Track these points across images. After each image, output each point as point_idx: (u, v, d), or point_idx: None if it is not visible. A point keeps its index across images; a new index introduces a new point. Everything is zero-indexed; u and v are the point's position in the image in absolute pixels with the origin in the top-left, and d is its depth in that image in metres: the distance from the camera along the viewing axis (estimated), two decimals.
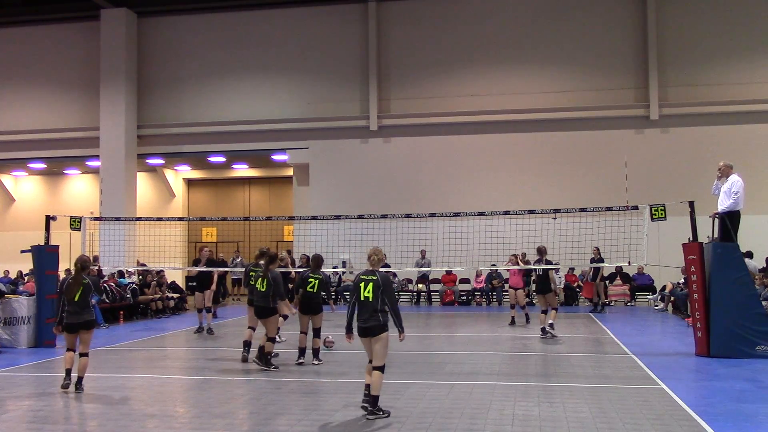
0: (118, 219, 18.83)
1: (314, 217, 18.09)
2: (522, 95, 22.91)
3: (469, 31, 23.39)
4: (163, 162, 27.23)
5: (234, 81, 24.72)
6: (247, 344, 11.06)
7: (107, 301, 17.36)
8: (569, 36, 22.93)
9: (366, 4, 23.82)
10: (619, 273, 21.31)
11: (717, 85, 21.89)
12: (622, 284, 21.37)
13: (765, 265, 17.38)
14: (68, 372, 8.87)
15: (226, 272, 21.15)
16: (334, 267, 19.56)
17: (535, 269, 14.41)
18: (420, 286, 22.94)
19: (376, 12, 23.73)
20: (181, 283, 22.92)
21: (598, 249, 16.95)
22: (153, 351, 12.97)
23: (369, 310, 7.33)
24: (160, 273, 19.71)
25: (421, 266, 21.68)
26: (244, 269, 13.91)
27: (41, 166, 27.95)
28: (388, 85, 23.87)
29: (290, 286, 13.01)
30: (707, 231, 12.26)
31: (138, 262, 19.85)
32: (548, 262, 13.75)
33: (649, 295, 21.37)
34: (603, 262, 16.27)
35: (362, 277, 7.48)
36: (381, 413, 7.22)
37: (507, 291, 18.34)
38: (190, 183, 29.87)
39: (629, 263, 14.18)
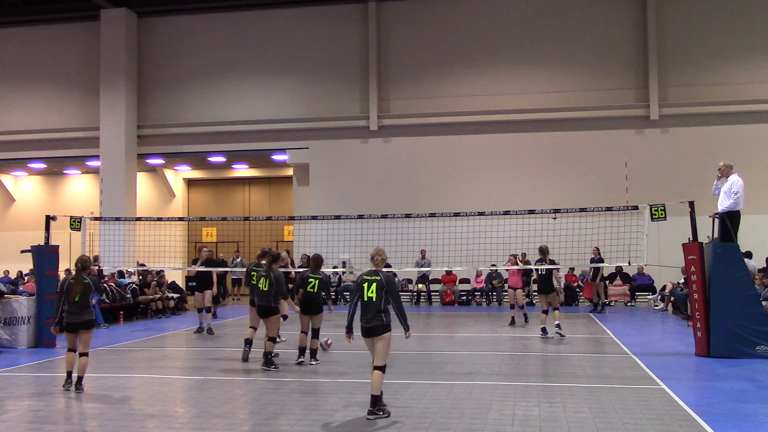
0: (118, 219, 18.85)
1: (314, 217, 18.07)
2: (522, 95, 22.90)
3: (469, 31, 23.39)
4: (163, 162, 27.23)
5: (234, 81, 24.71)
6: (248, 342, 11.05)
7: (107, 301, 17.36)
8: (569, 36, 22.92)
9: (366, 4, 23.81)
10: (619, 273, 21.31)
11: (717, 85, 21.88)
12: (622, 284, 21.37)
13: (765, 265, 17.38)
14: (69, 374, 8.88)
15: (226, 272, 21.15)
16: (334, 267, 19.56)
17: (535, 269, 14.41)
18: (420, 286, 22.95)
19: (376, 12, 23.72)
20: (181, 283, 22.93)
21: (598, 249, 16.97)
22: (153, 351, 12.96)
23: (372, 310, 7.35)
24: (160, 273, 19.72)
25: (421, 266, 21.68)
26: (244, 269, 13.92)
27: (41, 166, 27.94)
28: (388, 85, 23.86)
29: (290, 286, 13.01)
30: (707, 231, 12.27)
31: (138, 262, 19.85)
32: (552, 262, 13.75)
33: (649, 295, 21.35)
34: (603, 262, 16.28)
35: (366, 277, 7.50)
36: (381, 413, 7.22)
37: (507, 291, 18.34)
38: (190, 183, 29.87)
39: (629, 263, 14.18)
